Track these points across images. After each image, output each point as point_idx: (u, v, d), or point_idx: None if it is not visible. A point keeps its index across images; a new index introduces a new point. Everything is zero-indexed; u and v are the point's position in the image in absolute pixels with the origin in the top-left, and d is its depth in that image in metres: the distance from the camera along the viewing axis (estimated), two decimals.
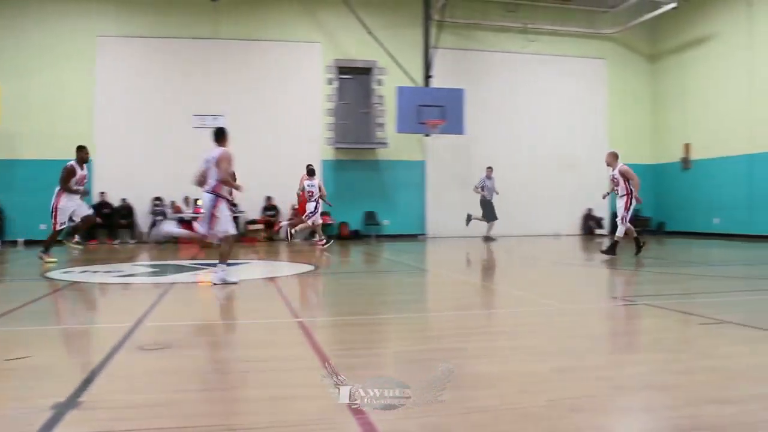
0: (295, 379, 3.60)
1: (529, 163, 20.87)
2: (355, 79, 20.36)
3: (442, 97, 18.61)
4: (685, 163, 20.67)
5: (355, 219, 19.65)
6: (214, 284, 7.83)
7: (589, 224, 21.36)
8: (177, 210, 18.06)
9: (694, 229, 19.74)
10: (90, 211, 11.50)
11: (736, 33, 18.76)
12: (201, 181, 8.01)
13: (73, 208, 11.03)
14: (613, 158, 11.84)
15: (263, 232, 18.73)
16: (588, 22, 21.64)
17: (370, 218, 19.78)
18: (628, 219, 11.58)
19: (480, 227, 18.19)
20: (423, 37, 19.55)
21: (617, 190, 11.68)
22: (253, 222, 18.83)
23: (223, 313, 6.42)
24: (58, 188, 10.90)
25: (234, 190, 8.79)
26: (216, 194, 7.86)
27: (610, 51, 22.17)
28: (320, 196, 14.86)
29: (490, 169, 18.27)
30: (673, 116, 21.50)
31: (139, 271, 10.04)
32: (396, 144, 19.78)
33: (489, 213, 18.05)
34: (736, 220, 18.13)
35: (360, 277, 10.14)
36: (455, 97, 18.74)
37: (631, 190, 11.49)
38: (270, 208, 19.02)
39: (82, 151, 11.20)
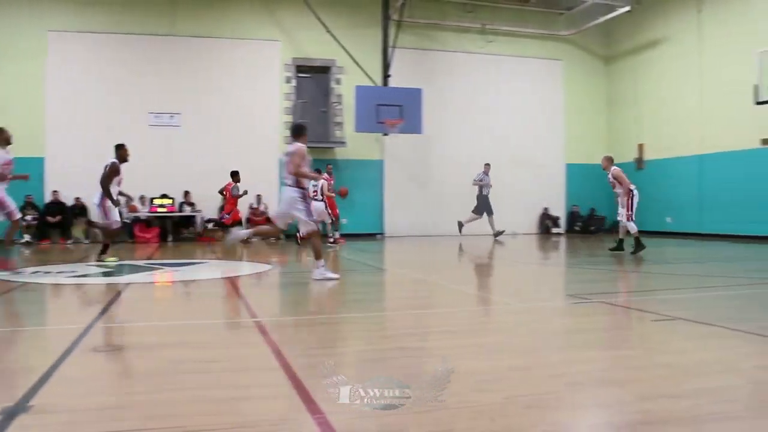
0: (252, 380, 3.57)
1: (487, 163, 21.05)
2: (313, 77, 20.28)
3: (400, 97, 18.64)
4: (639, 163, 21.06)
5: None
6: (316, 280, 8.03)
7: (546, 223, 21.63)
8: (132, 209, 17.76)
9: (647, 228, 20.05)
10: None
11: (687, 37, 19.21)
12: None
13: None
14: (607, 162, 12.58)
15: (221, 231, 18.53)
16: (545, 24, 21.91)
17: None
18: (633, 216, 12.17)
19: (477, 228, 18.29)
20: (382, 36, 19.55)
21: (617, 192, 12.33)
22: (211, 221, 18.63)
23: (179, 313, 6.32)
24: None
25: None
26: (301, 188, 8.09)
27: (567, 52, 22.49)
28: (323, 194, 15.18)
29: (487, 165, 18.63)
30: (627, 117, 21.90)
31: (92, 271, 9.83)
32: (354, 143, 19.77)
33: (486, 207, 18.44)
34: (687, 219, 18.54)
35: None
36: (413, 96, 18.79)
37: (630, 190, 12.15)
38: None
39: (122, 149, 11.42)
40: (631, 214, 12.15)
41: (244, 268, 10.78)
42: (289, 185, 8.07)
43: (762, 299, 6.85)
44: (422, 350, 4.32)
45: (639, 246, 12.19)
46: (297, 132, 8.31)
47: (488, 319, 5.91)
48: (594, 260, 12.21)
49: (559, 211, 21.95)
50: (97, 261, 10.73)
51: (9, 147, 9.67)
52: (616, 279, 9.33)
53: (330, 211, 15.44)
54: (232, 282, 8.57)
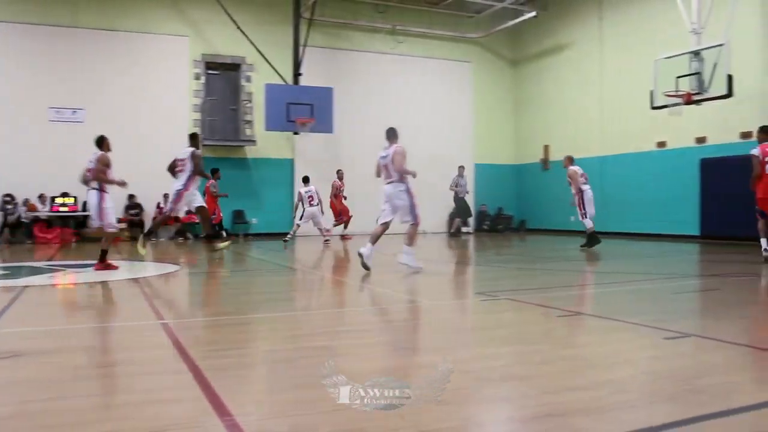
0: (159, 383, 3.47)
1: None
2: (223, 75, 19.94)
3: (311, 96, 18.53)
4: (545, 164, 21.73)
5: (223, 217, 19.22)
6: (401, 263, 8.76)
7: (456, 222, 21.97)
8: (32, 208, 16.99)
9: (553, 227, 20.78)
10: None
11: (589, 43, 20.01)
12: (379, 174, 9.21)
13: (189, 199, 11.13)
14: (566, 161, 13.57)
15: (127, 231, 17.97)
16: (455, 26, 22.29)
17: (239, 217, 19.44)
18: (587, 214, 13.06)
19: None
20: (293, 34, 19.39)
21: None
22: (117, 221, 17.99)
23: (82, 316, 6.08)
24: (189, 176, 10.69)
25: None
26: (405, 183, 8.93)
27: (476, 54, 22.95)
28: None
29: (462, 167, 18.89)
30: (533, 119, 22.57)
31: None
32: (265, 142, 19.54)
33: (462, 211, 18.87)
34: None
35: (227, 277, 9.94)
36: (324, 95, 18.73)
37: (580, 188, 12.97)
38: (134, 206, 18.26)
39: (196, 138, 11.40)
40: (584, 213, 12.95)
41: (150, 268, 10.48)
42: (395, 182, 8.91)
43: (656, 294, 7.19)
44: (331, 349, 4.32)
45: (591, 241, 12.96)
46: (394, 135, 9.43)
47: (397, 317, 5.96)
48: (501, 258, 12.52)
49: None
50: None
51: None
52: (523, 276, 9.59)
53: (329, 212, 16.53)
54: (138, 283, 8.32)
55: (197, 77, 19.37)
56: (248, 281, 9.33)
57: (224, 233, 16.78)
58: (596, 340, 4.69)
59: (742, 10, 14.60)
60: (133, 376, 3.61)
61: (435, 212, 21.81)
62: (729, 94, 13.59)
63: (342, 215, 16.93)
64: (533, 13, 20.24)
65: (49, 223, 17.31)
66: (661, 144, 17.49)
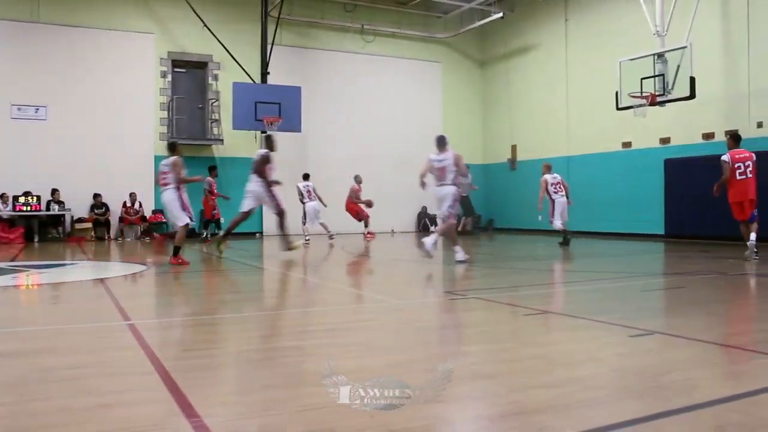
0: (125, 385, 3.43)
1: (367, 162, 21.11)
2: (189, 73, 19.75)
3: (279, 95, 18.42)
4: (512, 163, 21.89)
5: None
6: (458, 261, 9.91)
7: (424, 222, 22.05)
8: None
9: (520, 226, 20.94)
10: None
11: (555, 44, 20.23)
12: (430, 175, 10.29)
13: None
14: (544, 169, 14.70)
15: (92, 231, 17.72)
16: (424, 26, 22.37)
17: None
18: (555, 216, 13.96)
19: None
20: (261, 33, 19.26)
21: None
22: (81, 220, 17.76)
23: (46, 318, 5.97)
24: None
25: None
26: (456, 185, 10.22)
27: (445, 55, 23.05)
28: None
29: (466, 167, 18.79)
30: (501, 119, 22.73)
31: None
32: (233, 141, 19.38)
33: (466, 209, 19.01)
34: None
35: (196, 277, 9.84)
36: (292, 94, 18.64)
37: (551, 197, 14.09)
38: (99, 205, 17.99)
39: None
40: (552, 219, 14.01)
41: (116, 269, 10.34)
42: (448, 184, 10.05)
43: (621, 292, 7.30)
44: (300, 349, 4.30)
45: (564, 241, 13.89)
46: (445, 142, 10.44)
47: (366, 316, 5.97)
48: (470, 258, 12.55)
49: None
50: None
51: None
52: (491, 275, 9.65)
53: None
54: (104, 284, 8.20)
55: (164, 75, 19.15)
56: (216, 281, 9.25)
57: (206, 234, 16.75)
58: (563, 338, 4.74)
59: (704, 14, 14.89)
60: (98, 378, 3.55)
61: (404, 212, 21.88)
62: (692, 96, 13.83)
63: (361, 214, 17.19)
64: (500, 14, 20.39)
65: (11, 222, 16.97)
66: (627, 144, 17.74)
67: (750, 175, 10.12)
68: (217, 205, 16.80)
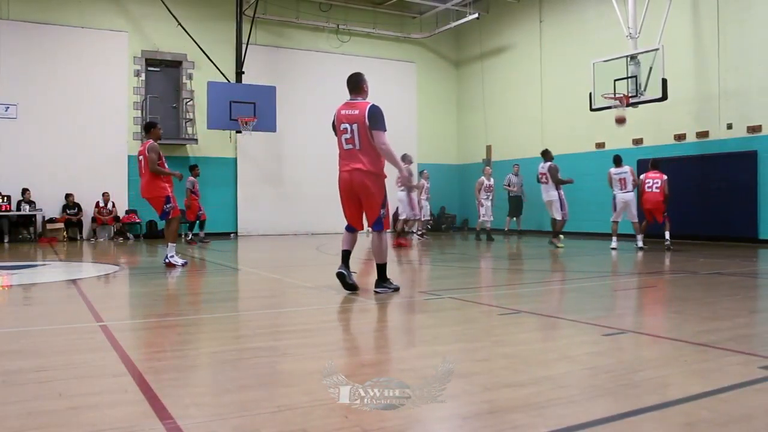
0: (97, 387, 3.38)
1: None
2: (163, 72, 19.60)
3: (254, 94, 18.31)
4: (487, 163, 21.96)
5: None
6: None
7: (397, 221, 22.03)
8: None
9: (495, 226, 21.00)
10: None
11: (530, 45, 20.39)
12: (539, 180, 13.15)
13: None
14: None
15: (64, 232, 17.50)
16: (399, 26, 22.40)
17: (180, 216, 19.09)
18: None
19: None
20: (236, 32, 19.16)
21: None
22: (52, 221, 17.52)
23: (16, 319, 5.88)
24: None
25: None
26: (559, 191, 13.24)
27: (420, 55, 23.11)
28: None
29: (517, 166, 18.80)
30: (476, 119, 22.83)
31: None
32: (207, 140, 19.27)
33: (514, 208, 19.03)
34: (531, 219, 19.55)
35: (169, 277, 9.76)
36: (267, 94, 18.54)
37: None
38: (71, 205, 17.76)
39: None
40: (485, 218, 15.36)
41: (89, 269, 10.23)
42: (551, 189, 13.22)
43: (593, 291, 7.38)
44: (274, 350, 4.28)
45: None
46: (549, 153, 13.47)
47: (341, 316, 5.96)
48: (445, 257, 12.62)
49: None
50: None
51: None
52: (465, 275, 9.69)
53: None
54: (76, 284, 8.10)
55: (137, 74, 18.98)
56: (190, 281, 9.18)
57: (188, 234, 16.52)
58: (536, 337, 4.78)
59: (675, 17, 15.09)
60: (68, 381, 3.50)
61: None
62: (664, 98, 14.00)
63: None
64: (476, 15, 20.49)
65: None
66: (600, 145, 17.91)
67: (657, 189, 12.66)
68: (201, 205, 16.46)
